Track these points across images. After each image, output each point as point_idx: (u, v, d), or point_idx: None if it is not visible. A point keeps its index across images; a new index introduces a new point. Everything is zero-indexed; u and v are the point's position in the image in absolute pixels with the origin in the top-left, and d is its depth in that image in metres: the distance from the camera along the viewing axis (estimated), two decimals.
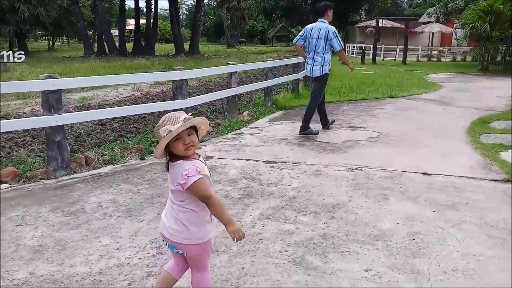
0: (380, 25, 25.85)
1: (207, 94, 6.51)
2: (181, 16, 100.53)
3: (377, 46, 24.69)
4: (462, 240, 3.03)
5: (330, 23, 6.30)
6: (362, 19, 46.84)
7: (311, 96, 6.46)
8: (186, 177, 1.81)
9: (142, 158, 5.01)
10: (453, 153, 5.36)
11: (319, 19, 6.19)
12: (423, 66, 21.54)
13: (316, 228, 3.20)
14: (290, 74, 9.98)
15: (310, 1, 42.91)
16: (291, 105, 8.81)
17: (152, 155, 5.13)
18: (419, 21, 41.54)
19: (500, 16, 16.60)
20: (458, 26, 25.06)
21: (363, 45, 29.55)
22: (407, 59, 23.67)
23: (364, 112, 8.25)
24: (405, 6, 71.58)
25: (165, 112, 7.00)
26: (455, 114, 8.11)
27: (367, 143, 5.85)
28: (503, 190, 4.06)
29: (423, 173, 4.51)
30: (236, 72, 7.02)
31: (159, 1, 62.28)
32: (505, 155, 5.22)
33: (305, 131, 6.30)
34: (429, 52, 30.09)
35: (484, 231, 3.18)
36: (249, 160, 4.98)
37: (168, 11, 43.88)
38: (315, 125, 6.64)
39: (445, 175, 4.47)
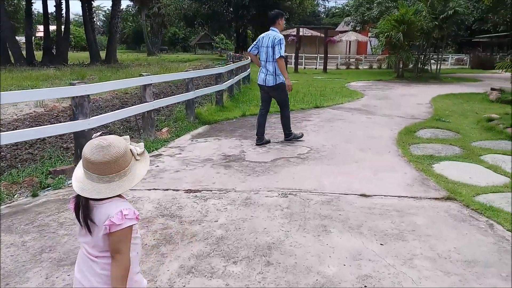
0: (300, 33, 26.26)
1: (115, 112, 5.66)
2: (97, 23, 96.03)
3: (299, 54, 25.02)
4: (418, 281, 2.62)
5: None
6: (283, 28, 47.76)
7: (280, 107, 6.38)
8: (124, 218, 1.49)
9: (34, 195, 4.08)
10: (387, 168, 5.10)
11: (271, 28, 6.10)
12: (343, 74, 22.15)
13: (251, 281, 2.60)
14: (214, 85, 9.37)
15: (231, 9, 42.87)
16: (216, 118, 8.20)
17: (48, 190, 4.22)
18: (336, 30, 43.31)
19: (411, 26, 17.46)
20: (372, 35, 26.25)
21: (285, 53, 29.87)
22: (328, 67, 24.23)
23: (291, 124, 7.86)
24: (322, 15, 74.54)
25: (62, 136, 6.01)
26: (381, 124, 8.04)
27: (298, 160, 5.41)
28: (445, 210, 3.79)
29: (361, 195, 4.14)
30: (150, 84, 6.24)
31: (71, 6, 58.61)
32: (439, 168, 5.07)
33: (289, 137, 6.39)
34: (347, 60, 31.25)
35: (438, 266, 2.81)
36: (167, 190, 4.27)
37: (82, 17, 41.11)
38: (243, 141, 6.08)
39: (384, 195, 4.14)
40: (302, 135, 6.61)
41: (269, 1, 37.37)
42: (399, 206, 3.87)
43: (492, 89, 12.24)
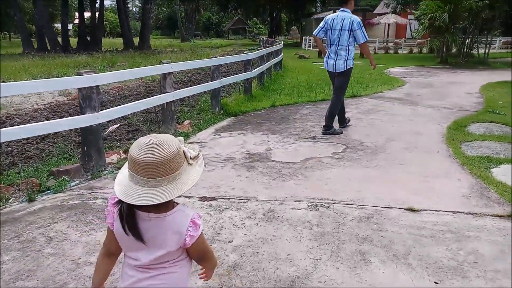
0: None
1: (128, 105, 5.13)
2: (133, 9, 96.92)
3: None
4: None
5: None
6: (318, 11, 46.34)
7: (335, 92, 5.94)
8: (198, 227, 1.39)
9: (30, 200, 3.63)
10: (437, 173, 4.34)
11: (341, 8, 5.64)
12: (382, 59, 20.91)
13: None
14: (242, 73, 8.74)
15: None
16: (243, 110, 7.59)
17: (48, 193, 3.77)
18: (374, 12, 41.48)
19: (458, 6, 16.09)
20: (414, 18, 24.70)
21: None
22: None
23: (324, 117, 7.16)
24: None
25: (70, 132, 5.56)
26: (426, 117, 7.19)
27: (332, 161, 4.73)
28: None
29: (407, 209, 3.44)
30: (171, 73, 5.70)
31: None
32: (499, 174, 4.27)
33: (329, 130, 5.88)
34: (385, 44, 29.75)
35: None
36: (180, 196, 3.72)
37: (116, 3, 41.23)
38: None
39: (436, 211, 3.42)
40: (342, 132, 6.01)
41: None
42: (455, 226, 3.15)
43: None
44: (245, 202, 3.60)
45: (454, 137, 5.78)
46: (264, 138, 5.74)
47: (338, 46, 5.64)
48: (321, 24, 5.78)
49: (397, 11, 27.56)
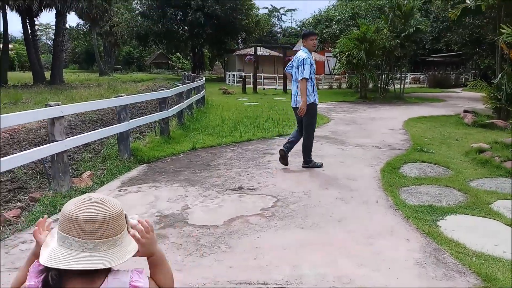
0: (258, 52, 25.23)
1: (7, 158, 4.00)
2: (47, 41, 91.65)
3: (257, 74, 23.89)
4: None
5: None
6: (240, 48, 47.00)
7: (304, 130, 5.96)
8: (142, 276, 1.19)
9: None
10: (382, 231, 3.74)
11: (301, 47, 5.94)
12: None
13: None
14: (157, 112, 7.82)
15: (187, 27, 41.56)
16: (158, 154, 6.63)
17: None
18: (294, 49, 42.91)
19: (373, 44, 16.73)
20: (332, 55, 25.65)
21: (243, 73, 28.77)
22: (287, 87, 23.21)
23: (252, 160, 6.45)
24: (279, 35, 74.81)
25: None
26: (357, 157, 6.78)
27: (261, 221, 3.95)
28: None
29: None
30: (62, 117, 4.63)
31: (16, 23, 54.95)
32: (448, 228, 3.78)
33: (308, 164, 6.01)
34: None
35: None
36: None
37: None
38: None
39: None
40: (322, 165, 6.08)
41: (225, 20, 36.29)
42: None
43: (465, 111, 11.45)
44: None
45: (390, 181, 5.34)
46: (181, 192, 4.83)
47: (295, 81, 5.85)
48: (291, 61, 6.01)
49: (316, 49, 28.54)
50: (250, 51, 28.79)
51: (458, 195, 4.85)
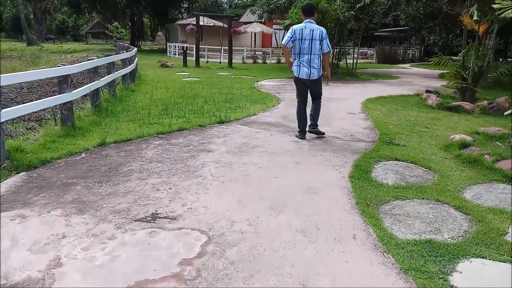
0: (201, 22, 23.04)
1: None
2: None
3: (200, 46, 21.81)
4: None
5: None
6: (184, 17, 44.11)
7: (317, 98, 6.27)
8: None
9: None
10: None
11: (308, 20, 5.89)
12: (251, 69, 19.49)
13: None
14: (53, 96, 5.88)
15: None
16: (48, 156, 4.75)
17: None
18: (240, 20, 40.77)
19: (325, 16, 15.29)
20: (280, 27, 24.06)
21: (185, 44, 26.46)
22: (233, 61, 21.42)
23: (179, 163, 4.80)
24: (225, 6, 71.81)
25: None
26: (316, 155, 5.34)
27: None
28: None
29: None
30: None
31: None
32: (463, 285, 2.42)
33: (316, 128, 6.28)
34: (253, 53, 28.77)
35: None
36: None
37: None
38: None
39: None
40: (324, 133, 6.38)
41: None
42: None
43: (428, 91, 10.35)
44: None
45: (364, 195, 3.94)
46: (59, 228, 3.12)
47: (310, 55, 5.81)
48: (288, 34, 5.86)
49: (263, 19, 26.64)
50: (193, 20, 26.43)
51: (458, 218, 3.54)
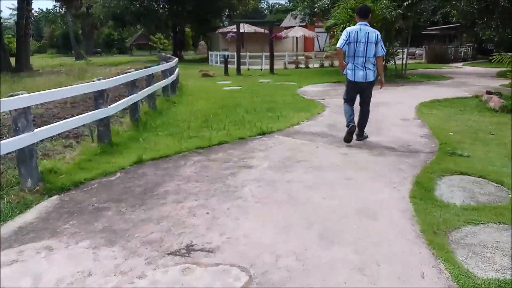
0: (242, 30, 22.87)
1: None
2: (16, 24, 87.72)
3: (241, 54, 21.61)
4: None
5: None
6: (225, 25, 44.42)
7: (366, 103, 6.09)
8: None
9: None
10: None
11: (363, 22, 5.72)
12: (293, 75, 19.01)
13: None
14: (92, 112, 5.71)
15: (167, 6, 38.86)
16: (82, 177, 4.52)
17: None
18: (281, 25, 40.42)
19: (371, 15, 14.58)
20: (324, 30, 23.44)
21: (227, 52, 26.42)
22: (274, 67, 21.04)
23: (218, 182, 4.43)
24: (266, 12, 71.78)
25: None
26: (368, 170, 4.79)
27: None
28: None
29: None
30: None
31: None
32: None
33: (362, 137, 6.11)
34: (295, 58, 28.27)
35: None
36: None
37: None
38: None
39: None
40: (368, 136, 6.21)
41: None
42: None
43: (488, 92, 9.45)
44: None
45: (429, 220, 3.37)
46: (85, 264, 2.81)
47: (365, 58, 5.70)
48: (343, 37, 5.71)
49: (305, 23, 26.11)
50: (234, 28, 26.37)
51: None
